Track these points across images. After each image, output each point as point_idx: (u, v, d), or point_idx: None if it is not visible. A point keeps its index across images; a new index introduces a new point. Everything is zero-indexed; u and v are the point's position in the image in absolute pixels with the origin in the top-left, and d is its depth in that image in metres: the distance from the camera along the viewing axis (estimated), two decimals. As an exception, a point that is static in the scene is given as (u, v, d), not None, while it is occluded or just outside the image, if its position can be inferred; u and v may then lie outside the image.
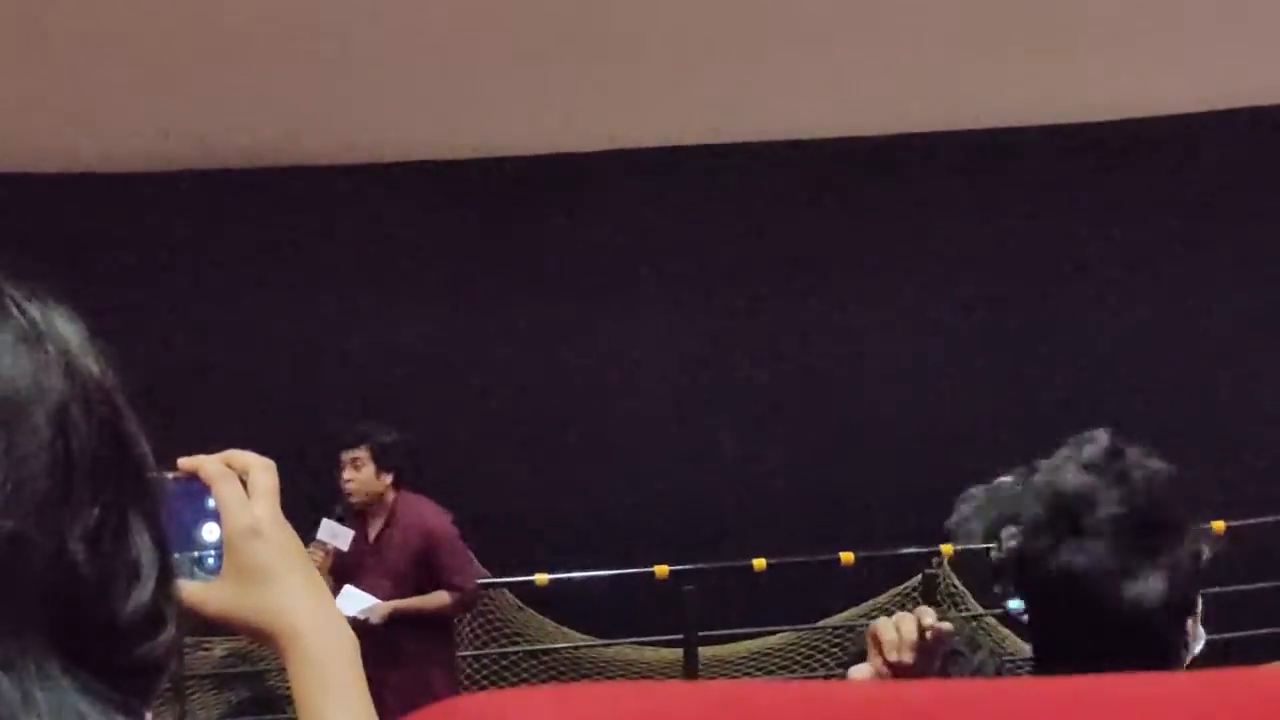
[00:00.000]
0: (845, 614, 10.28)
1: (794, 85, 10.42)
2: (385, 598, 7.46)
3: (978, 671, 2.96)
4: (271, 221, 10.87)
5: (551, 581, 9.69)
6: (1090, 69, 10.39)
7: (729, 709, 0.97)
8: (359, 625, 7.16)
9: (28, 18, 8.90)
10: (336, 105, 10.18)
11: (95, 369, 1.04)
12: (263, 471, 1.41)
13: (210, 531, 1.39)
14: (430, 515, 7.71)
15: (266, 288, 10.87)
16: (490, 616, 10.04)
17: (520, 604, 10.13)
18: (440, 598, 7.68)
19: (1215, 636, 2.61)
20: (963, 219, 11.27)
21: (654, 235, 11.25)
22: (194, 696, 9.40)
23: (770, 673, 10.31)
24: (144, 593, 1.01)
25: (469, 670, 10.04)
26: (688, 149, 11.14)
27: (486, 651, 9.92)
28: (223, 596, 1.38)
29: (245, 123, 10.27)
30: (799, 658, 10.36)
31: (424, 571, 7.62)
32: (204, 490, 1.39)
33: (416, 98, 10.23)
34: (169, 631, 1.03)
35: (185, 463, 1.40)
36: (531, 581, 9.65)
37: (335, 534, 7.39)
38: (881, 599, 10.23)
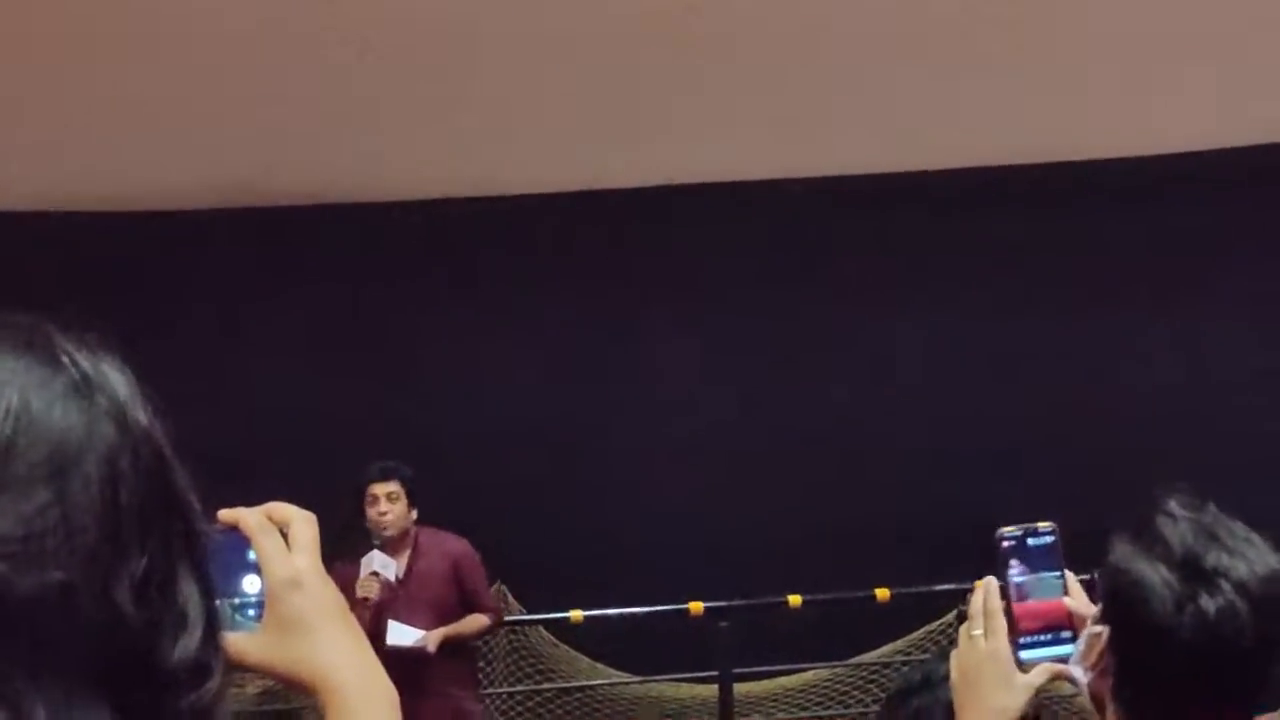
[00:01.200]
0: (880, 650, 10.25)
1: (820, 122, 10.44)
2: (426, 628, 7.52)
3: None
4: (288, 260, 10.90)
5: (585, 619, 9.69)
6: (1113, 104, 10.39)
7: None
8: (405, 656, 7.29)
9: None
10: (354, 144, 10.23)
11: (144, 419, 1.05)
12: (304, 524, 1.43)
13: (251, 584, 1.41)
14: (452, 541, 7.80)
15: (284, 326, 10.87)
16: (524, 653, 10.04)
17: (555, 641, 10.13)
18: (479, 620, 7.79)
19: None
20: (1000, 249, 11.25)
21: (681, 269, 11.25)
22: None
23: (804, 709, 10.28)
24: (191, 642, 1.02)
25: (503, 707, 10.04)
26: (715, 185, 11.14)
27: (520, 689, 9.91)
28: (264, 647, 1.39)
29: (275, 161, 10.31)
30: (834, 695, 10.33)
31: (457, 597, 7.70)
32: (245, 542, 1.40)
33: (433, 138, 10.26)
34: (215, 680, 1.04)
35: (226, 515, 1.41)
36: (566, 618, 9.65)
37: (386, 565, 7.48)
38: (917, 635, 10.20)
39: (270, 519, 1.42)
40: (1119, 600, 2.17)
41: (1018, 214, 11.26)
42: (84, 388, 1.03)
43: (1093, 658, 2.22)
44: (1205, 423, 10.85)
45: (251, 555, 1.40)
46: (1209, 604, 2.07)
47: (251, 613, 1.40)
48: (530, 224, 11.12)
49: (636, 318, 11.22)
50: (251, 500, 1.44)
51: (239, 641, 1.37)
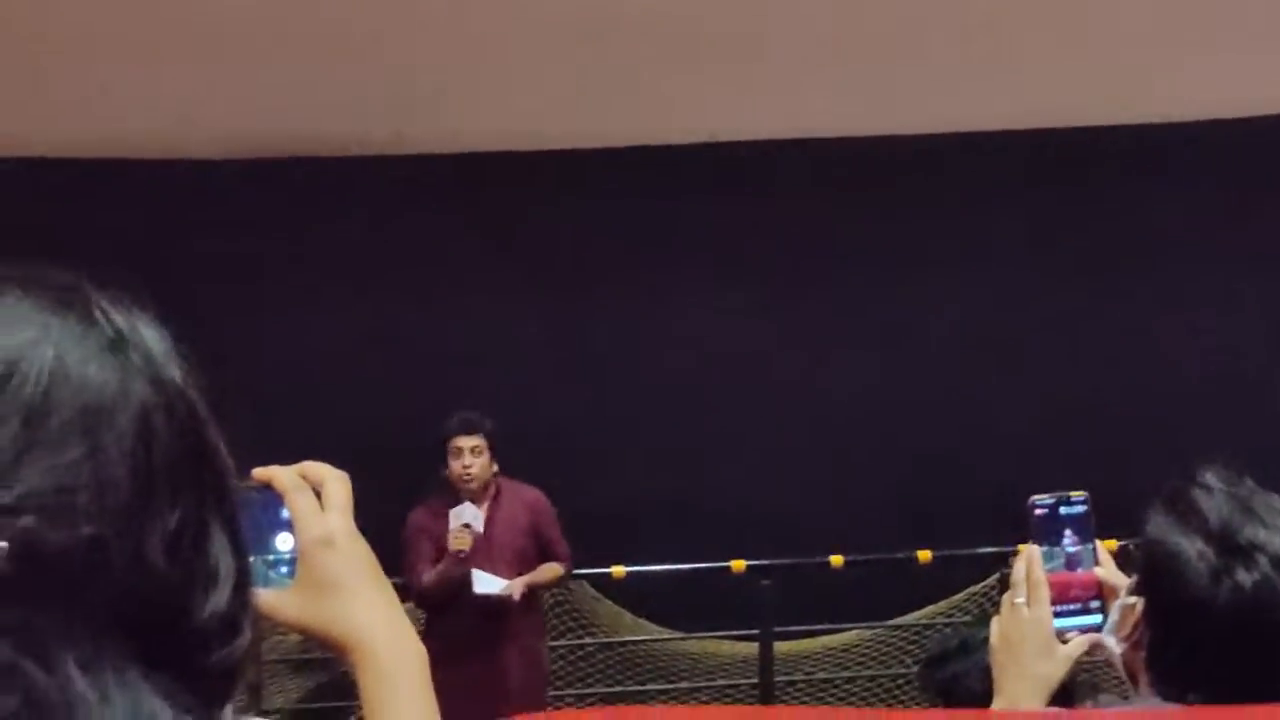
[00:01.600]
0: (921, 612, 10.25)
1: (830, 85, 10.38)
2: (507, 577, 7.67)
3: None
4: (323, 214, 10.88)
5: (628, 574, 9.73)
6: (1128, 70, 10.29)
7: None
8: (490, 605, 7.47)
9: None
10: (389, 95, 10.21)
11: (179, 377, 1.06)
12: (337, 483, 1.44)
13: (284, 541, 1.42)
14: (529, 491, 7.97)
15: (316, 281, 10.87)
16: (567, 606, 10.08)
17: (597, 595, 10.16)
18: (555, 569, 7.98)
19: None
20: (1017, 212, 11.18)
21: (718, 226, 11.19)
22: (271, 681, 9.49)
23: (845, 669, 10.29)
24: (221, 598, 1.03)
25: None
26: (733, 144, 11.08)
27: (562, 643, 9.96)
28: (296, 605, 1.41)
29: (303, 111, 10.29)
30: (875, 655, 10.34)
31: (535, 546, 7.86)
32: (278, 500, 1.41)
33: (460, 92, 10.23)
34: (245, 637, 1.05)
35: (260, 473, 1.43)
36: (608, 574, 9.69)
37: (475, 517, 7.61)
38: (958, 598, 10.20)
39: (305, 477, 1.43)
40: (1155, 573, 2.17)
41: (1064, 180, 11.19)
42: (119, 345, 1.04)
43: (1126, 629, 2.22)
44: (1245, 392, 10.80)
45: (285, 513, 1.41)
46: (1245, 578, 2.06)
47: (284, 570, 1.41)
48: (562, 179, 11.07)
49: (691, 280, 11.17)
50: (287, 458, 1.45)
51: (271, 599, 1.39)
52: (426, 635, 7.82)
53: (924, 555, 9.78)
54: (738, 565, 9.70)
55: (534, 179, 10.99)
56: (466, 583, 7.54)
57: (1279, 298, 11.11)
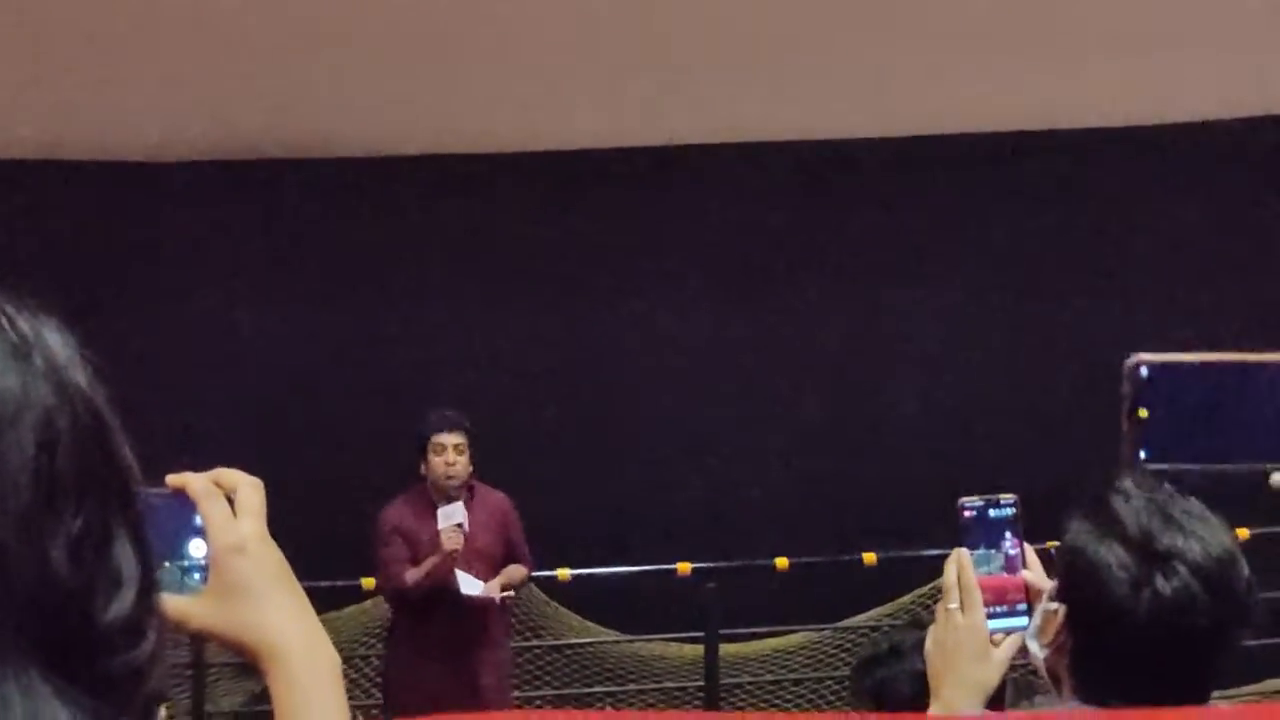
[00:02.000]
0: (868, 614, 10.27)
1: (820, 86, 10.40)
2: (482, 579, 7.67)
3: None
4: (292, 214, 10.89)
5: (574, 577, 9.73)
6: (1103, 74, 10.35)
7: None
8: (475, 606, 7.57)
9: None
10: (356, 98, 10.18)
11: (83, 382, 1.06)
12: (250, 490, 1.43)
13: (197, 548, 1.41)
14: (496, 494, 7.98)
15: (285, 281, 10.88)
16: (515, 610, 10.07)
17: (546, 599, 10.15)
18: (521, 570, 8.03)
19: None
20: (987, 217, 11.23)
21: (675, 233, 11.23)
22: (216, 683, 9.44)
23: (791, 671, 10.31)
24: (125, 603, 1.03)
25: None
26: (713, 147, 11.11)
27: (511, 645, 9.93)
28: (207, 611, 1.40)
29: (268, 112, 10.26)
30: (821, 657, 10.36)
31: (504, 548, 7.88)
32: (192, 507, 1.41)
33: (441, 94, 10.22)
34: (150, 641, 1.04)
35: (173, 479, 1.42)
36: (554, 576, 9.68)
37: (464, 516, 7.60)
38: (904, 600, 10.23)
39: (218, 484, 1.43)
40: (1075, 580, 2.18)
41: (1022, 179, 11.25)
42: (22, 349, 1.03)
43: (1049, 634, 2.23)
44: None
45: (198, 520, 1.41)
46: (1164, 586, 2.08)
47: (198, 576, 1.41)
48: (532, 180, 11.09)
49: (629, 279, 11.20)
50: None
51: (182, 605, 1.38)
52: (396, 634, 7.89)
53: (869, 558, 9.81)
54: (683, 568, 9.71)
55: (499, 180, 11.03)
56: (447, 583, 7.53)
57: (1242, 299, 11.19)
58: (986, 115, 10.92)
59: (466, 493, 7.76)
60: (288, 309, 10.81)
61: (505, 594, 7.80)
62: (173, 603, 1.34)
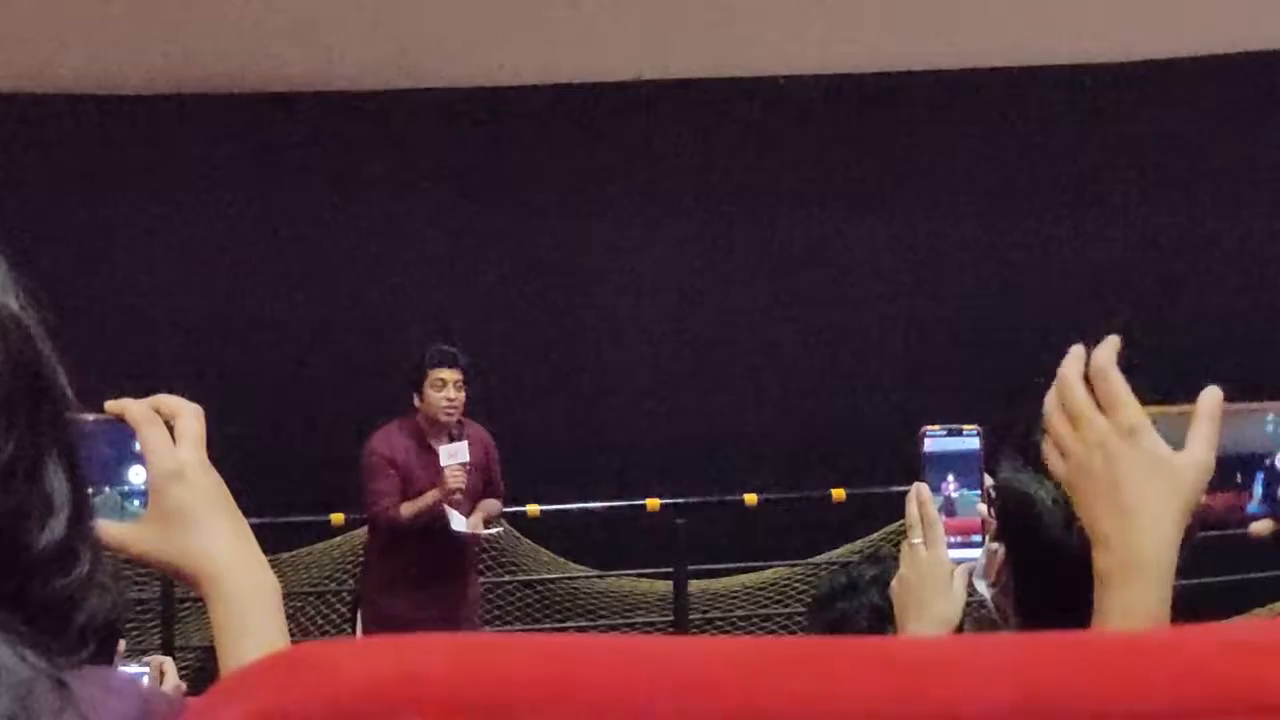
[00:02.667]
0: (837, 551, 10.31)
1: (800, 21, 10.37)
2: (465, 512, 7.76)
3: None
4: (284, 144, 10.85)
5: (543, 513, 9.74)
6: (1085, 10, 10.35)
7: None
8: (454, 542, 7.65)
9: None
10: (357, 29, 10.14)
11: (15, 306, 1.05)
12: (190, 417, 1.43)
13: (137, 474, 1.41)
14: (477, 428, 8.02)
15: (258, 213, 10.87)
16: (487, 545, 10.09)
17: (518, 534, 10.17)
18: (495, 504, 8.15)
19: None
20: (963, 150, 11.22)
21: (650, 162, 11.20)
22: (186, 619, 9.45)
23: (762, 606, 10.35)
24: (57, 528, 1.02)
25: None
26: (690, 81, 11.08)
27: (482, 580, 9.97)
28: (146, 538, 1.40)
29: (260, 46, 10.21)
30: (791, 593, 10.40)
31: (483, 482, 7.97)
32: (131, 434, 1.40)
33: (436, 25, 10.17)
34: (83, 566, 1.04)
35: (112, 405, 1.42)
36: (523, 512, 9.69)
37: (465, 453, 7.65)
38: (874, 536, 10.26)
39: (158, 411, 1.42)
40: (1011, 519, 2.18)
41: (992, 113, 11.24)
42: (-49, 276, 1.03)
43: (993, 573, 2.24)
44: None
45: (137, 446, 1.40)
46: None
47: (137, 502, 1.40)
48: (504, 116, 11.05)
49: (599, 214, 11.18)
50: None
51: (120, 532, 1.38)
52: (372, 568, 7.95)
53: (838, 493, 9.84)
54: (653, 504, 9.73)
55: (477, 114, 10.99)
56: (437, 517, 7.59)
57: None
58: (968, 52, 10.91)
59: (457, 427, 7.79)
60: (255, 236, 10.79)
61: (495, 530, 7.86)
62: (110, 529, 1.33)
